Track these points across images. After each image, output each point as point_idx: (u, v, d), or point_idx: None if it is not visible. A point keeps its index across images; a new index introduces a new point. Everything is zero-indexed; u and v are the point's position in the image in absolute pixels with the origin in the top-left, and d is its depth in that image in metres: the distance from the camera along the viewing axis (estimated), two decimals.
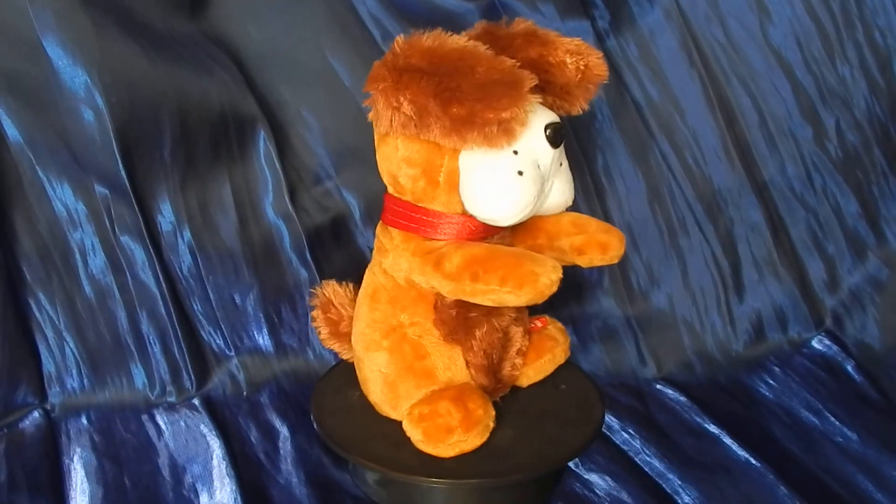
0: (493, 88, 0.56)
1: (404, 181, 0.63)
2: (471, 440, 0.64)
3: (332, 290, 0.76)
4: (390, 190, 0.66)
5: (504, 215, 0.61)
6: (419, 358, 0.66)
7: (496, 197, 0.60)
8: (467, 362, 0.66)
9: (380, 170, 0.65)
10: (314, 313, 0.76)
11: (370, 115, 0.60)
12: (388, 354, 0.67)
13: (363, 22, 0.90)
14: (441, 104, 0.56)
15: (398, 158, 0.62)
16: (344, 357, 0.76)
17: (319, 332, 0.76)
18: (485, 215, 0.61)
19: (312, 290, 0.77)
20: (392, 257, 0.66)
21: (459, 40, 0.58)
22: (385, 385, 0.67)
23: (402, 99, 0.57)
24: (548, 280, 0.58)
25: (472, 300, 0.61)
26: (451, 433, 0.63)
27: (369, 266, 0.70)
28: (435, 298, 0.65)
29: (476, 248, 0.62)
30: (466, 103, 0.56)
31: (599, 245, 0.66)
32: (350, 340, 0.72)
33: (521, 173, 0.59)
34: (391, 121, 0.58)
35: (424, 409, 0.64)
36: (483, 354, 0.66)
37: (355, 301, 0.72)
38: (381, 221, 0.68)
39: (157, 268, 0.84)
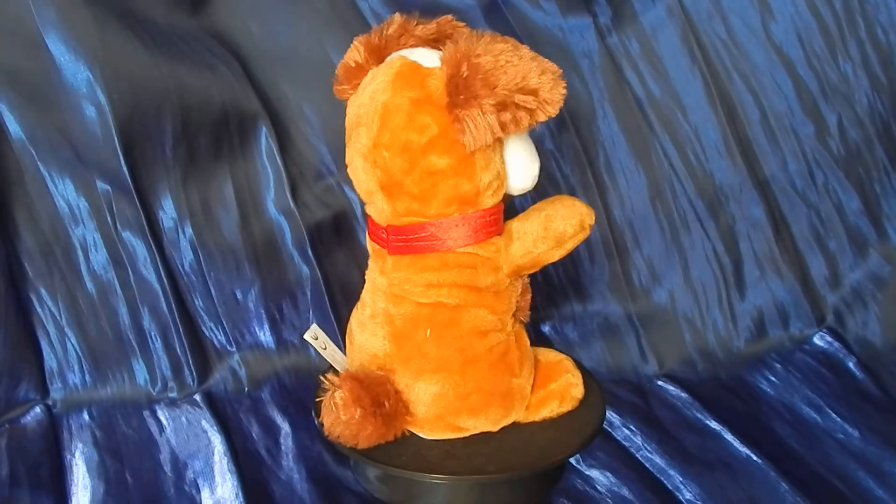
0: (530, 75, 0.57)
1: (489, 188, 0.62)
2: None
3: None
4: (462, 211, 0.62)
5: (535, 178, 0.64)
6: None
7: (533, 164, 0.63)
8: None
9: (447, 197, 0.60)
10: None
11: (465, 139, 0.57)
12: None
13: (365, 17, 0.90)
14: (504, 100, 0.56)
15: (490, 170, 0.61)
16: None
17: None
18: (527, 185, 0.64)
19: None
20: (482, 274, 0.63)
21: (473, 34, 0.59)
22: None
23: (485, 104, 0.56)
24: None
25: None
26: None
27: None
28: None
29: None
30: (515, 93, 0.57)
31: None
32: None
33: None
34: (492, 130, 0.57)
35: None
36: None
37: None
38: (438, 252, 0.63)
39: (159, 264, 0.84)
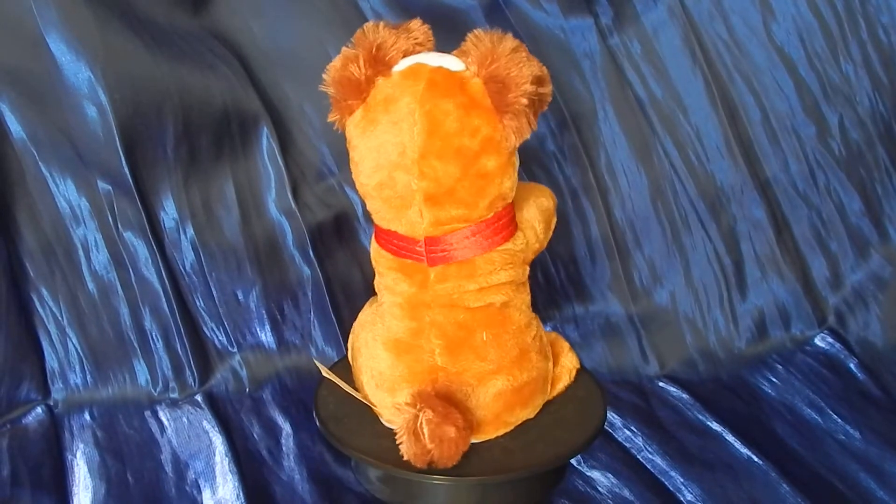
0: (535, 70, 0.59)
1: (515, 184, 0.63)
2: None
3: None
4: (486, 214, 0.62)
5: None
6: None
7: None
8: None
9: (492, 199, 0.61)
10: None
11: (512, 138, 0.59)
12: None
13: (366, 17, 0.90)
14: (530, 96, 0.58)
15: (516, 166, 0.63)
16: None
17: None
18: None
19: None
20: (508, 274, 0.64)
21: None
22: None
23: (523, 102, 0.58)
24: None
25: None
26: None
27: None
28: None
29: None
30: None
31: None
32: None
33: None
34: (531, 126, 0.59)
35: None
36: None
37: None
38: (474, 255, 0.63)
39: (160, 264, 0.84)
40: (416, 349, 0.64)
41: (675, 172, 0.94)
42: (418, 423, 0.58)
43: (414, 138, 0.58)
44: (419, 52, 0.62)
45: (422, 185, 0.59)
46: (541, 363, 0.67)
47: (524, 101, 0.57)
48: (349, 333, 0.74)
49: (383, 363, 0.66)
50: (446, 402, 0.61)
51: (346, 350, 0.75)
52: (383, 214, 0.63)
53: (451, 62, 0.60)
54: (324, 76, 0.62)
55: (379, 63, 0.60)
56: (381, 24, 0.62)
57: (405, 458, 0.60)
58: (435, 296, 0.63)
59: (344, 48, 0.61)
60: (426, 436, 0.58)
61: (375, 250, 0.66)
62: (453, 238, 0.62)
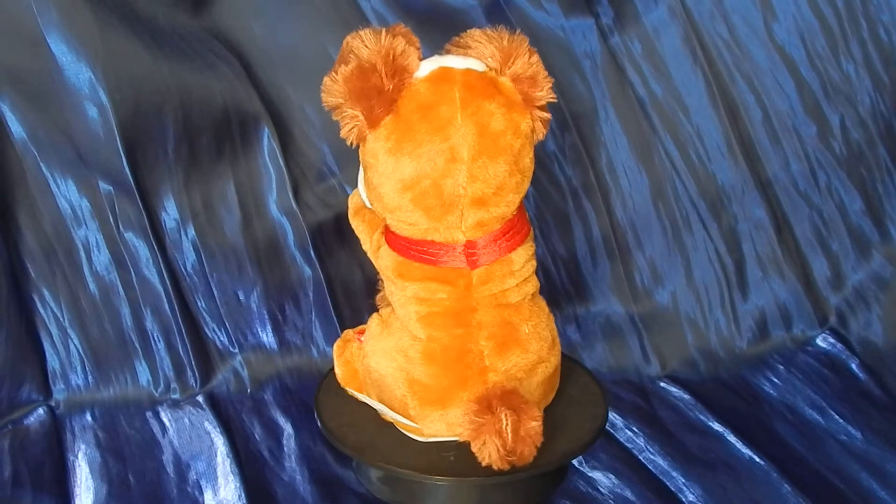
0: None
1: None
2: None
3: None
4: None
5: None
6: None
7: None
8: None
9: (525, 192, 0.64)
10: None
11: (541, 133, 0.63)
12: None
13: (367, 18, 0.90)
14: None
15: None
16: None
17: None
18: None
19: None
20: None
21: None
22: None
23: (551, 93, 0.62)
24: None
25: None
26: None
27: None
28: None
29: None
30: None
31: None
32: None
33: None
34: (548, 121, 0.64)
35: None
36: None
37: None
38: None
39: (161, 265, 0.84)
40: (465, 355, 0.63)
41: (675, 172, 0.94)
42: (504, 425, 0.58)
43: (464, 142, 0.58)
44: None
45: (473, 187, 0.60)
46: (559, 345, 0.69)
47: (553, 94, 0.60)
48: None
49: (427, 377, 0.63)
50: (516, 399, 0.61)
51: (335, 373, 0.73)
52: (419, 225, 0.62)
53: (472, 63, 0.61)
54: (331, 88, 0.59)
55: (401, 70, 0.59)
56: (367, 30, 0.60)
57: (485, 463, 0.59)
58: (479, 298, 0.63)
59: (350, 62, 0.58)
60: (511, 435, 0.58)
61: (399, 263, 0.64)
62: (492, 237, 0.63)
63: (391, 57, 0.58)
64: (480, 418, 0.59)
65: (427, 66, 0.60)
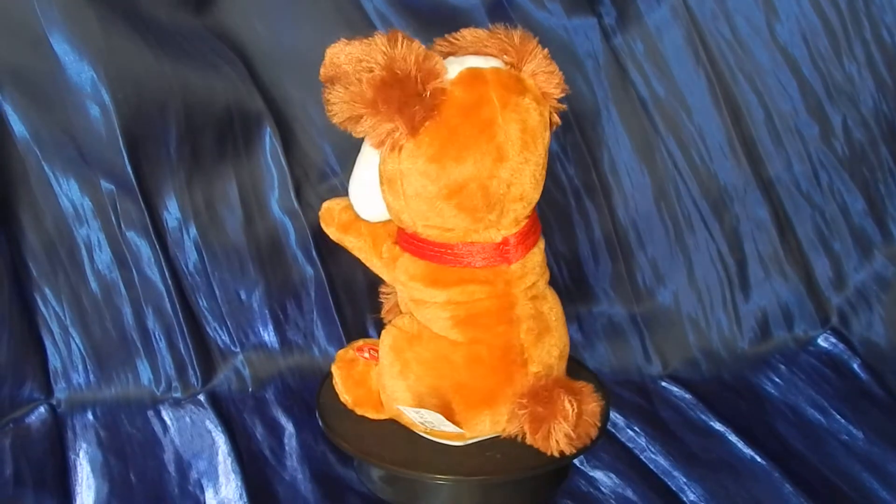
0: None
1: None
2: None
3: None
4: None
5: None
6: None
7: None
8: None
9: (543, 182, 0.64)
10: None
11: (558, 124, 0.64)
12: None
13: (369, 18, 0.90)
14: None
15: None
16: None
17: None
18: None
19: None
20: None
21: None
22: None
23: (565, 86, 0.64)
24: None
25: None
26: None
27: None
28: None
29: None
30: None
31: None
32: None
33: None
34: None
35: None
36: None
37: None
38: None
39: (163, 264, 0.84)
40: (510, 351, 0.64)
41: (678, 172, 0.94)
42: (570, 411, 0.60)
43: (508, 140, 0.59)
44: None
45: (516, 184, 0.60)
46: None
47: (566, 86, 0.62)
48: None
49: (475, 379, 0.63)
50: (571, 384, 0.64)
51: (340, 379, 0.72)
52: (458, 228, 0.61)
53: (493, 62, 0.61)
54: (356, 98, 0.56)
55: (434, 75, 0.58)
56: (353, 42, 0.58)
57: (551, 451, 0.61)
58: (518, 292, 0.64)
59: (370, 72, 0.56)
60: (574, 418, 0.61)
61: (432, 270, 0.63)
62: (524, 231, 0.64)
63: (421, 62, 0.57)
64: (541, 409, 0.61)
65: (453, 69, 0.59)
